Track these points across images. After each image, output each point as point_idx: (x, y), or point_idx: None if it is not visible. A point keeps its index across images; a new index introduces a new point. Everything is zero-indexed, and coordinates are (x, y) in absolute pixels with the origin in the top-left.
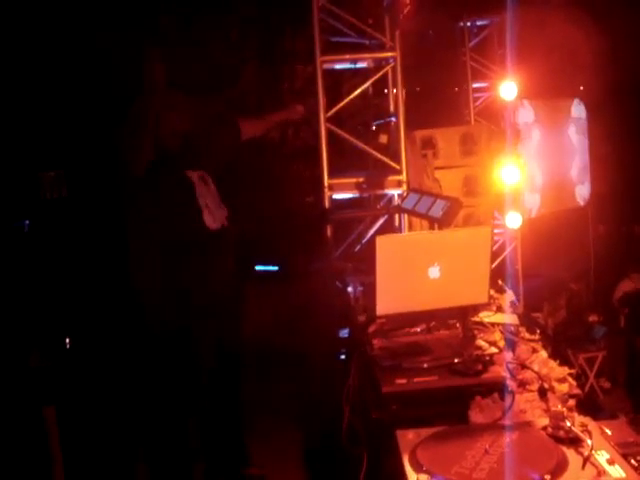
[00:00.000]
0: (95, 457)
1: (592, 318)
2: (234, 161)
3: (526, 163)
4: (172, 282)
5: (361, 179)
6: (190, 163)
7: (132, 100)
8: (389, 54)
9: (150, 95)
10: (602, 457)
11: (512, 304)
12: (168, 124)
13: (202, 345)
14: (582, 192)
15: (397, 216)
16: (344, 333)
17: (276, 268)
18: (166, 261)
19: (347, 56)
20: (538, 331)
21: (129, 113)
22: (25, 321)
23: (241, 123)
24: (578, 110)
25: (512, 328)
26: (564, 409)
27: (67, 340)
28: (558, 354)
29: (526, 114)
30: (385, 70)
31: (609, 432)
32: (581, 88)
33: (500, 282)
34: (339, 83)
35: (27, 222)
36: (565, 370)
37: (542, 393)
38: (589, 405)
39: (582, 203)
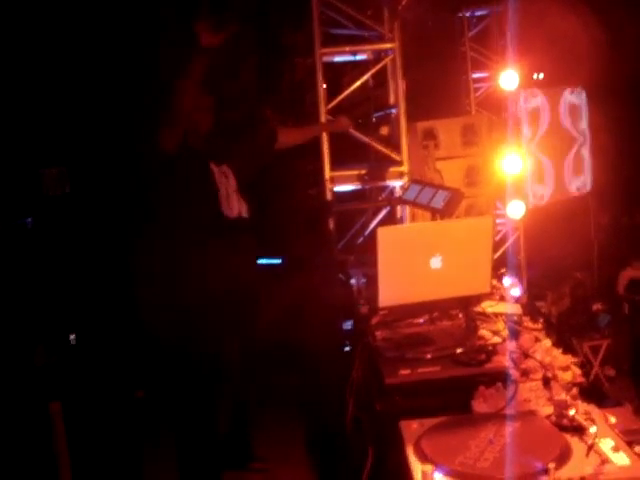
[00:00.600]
0: (101, 452)
1: (596, 306)
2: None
3: (532, 152)
4: (187, 266)
5: (362, 171)
6: (213, 157)
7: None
8: (388, 45)
9: (190, 83)
10: (606, 445)
11: (515, 293)
12: (192, 122)
13: (218, 332)
14: (581, 182)
15: (399, 207)
16: (347, 325)
17: (279, 261)
18: (182, 244)
19: (347, 48)
20: (541, 320)
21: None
22: (30, 318)
23: (280, 132)
24: (578, 99)
25: (515, 317)
26: (568, 397)
27: (72, 336)
28: (562, 343)
29: (534, 101)
30: (385, 62)
31: (613, 420)
32: (577, 78)
33: (503, 270)
34: (339, 75)
35: (30, 219)
36: (569, 358)
37: (546, 382)
38: (594, 393)
39: (578, 193)
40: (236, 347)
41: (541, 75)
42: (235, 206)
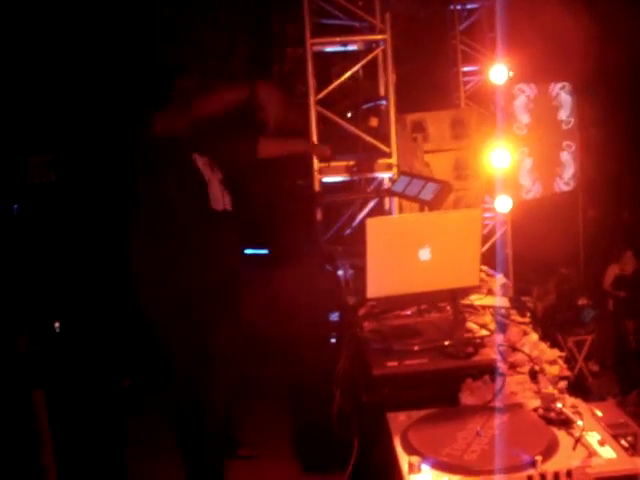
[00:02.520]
0: (84, 441)
1: (581, 302)
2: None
3: (521, 146)
4: (175, 257)
5: (351, 162)
6: (197, 147)
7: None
8: (379, 37)
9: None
10: (593, 438)
11: (503, 287)
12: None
13: (210, 317)
14: (569, 177)
15: (387, 199)
16: (334, 316)
17: (266, 252)
18: (168, 235)
19: (337, 39)
20: (528, 314)
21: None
22: (14, 305)
23: (261, 141)
24: (567, 94)
25: (503, 311)
26: (555, 391)
27: (56, 324)
28: (548, 337)
29: (523, 95)
30: (375, 53)
31: (600, 414)
32: (566, 73)
33: (485, 268)
34: (329, 65)
35: (16, 206)
36: (556, 352)
37: (533, 375)
38: (578, 388)
39: (566, 188)
40: (227, 333)
41: (511, 73)
42: (220, 199)
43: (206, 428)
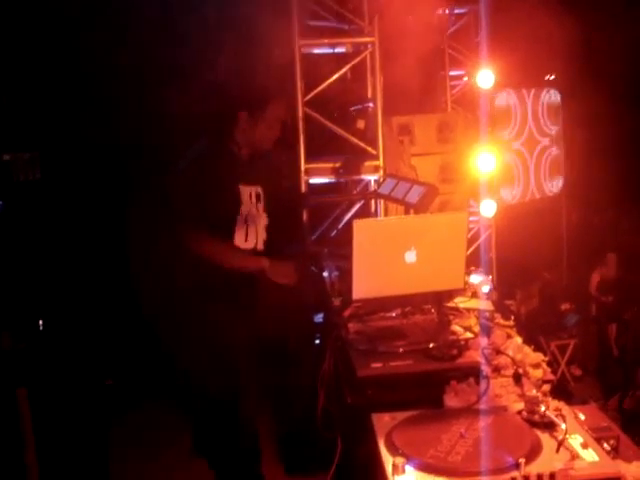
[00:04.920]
0: (67, 440)
1: (564, 306)
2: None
3: (506, 151)
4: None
5: (338, 164)
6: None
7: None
8: (368, 39)
9: None
10: (576, 441)
11: (487, 290)
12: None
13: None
14: (553, 181)
15: (373, 201)
16: (319, 317)
17: None
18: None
19: (326, 40)
20: (512, 317)
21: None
22: None
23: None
24: (553, 98)
25: (487, 314)
26: (539, 394)
27: (40, 322)
28: (531, 341)
29: (508, 99)
30: (364, 55)
31: (582, 417)
32: (552, 77)
33: (473, 268)
34: (317, 67)
35: (0, 203)
36: (539, 356)
37: (517, 378)
38: (560, 391)
39: (550, 193)
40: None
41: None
42: (252, 239)
43: (241, 444)
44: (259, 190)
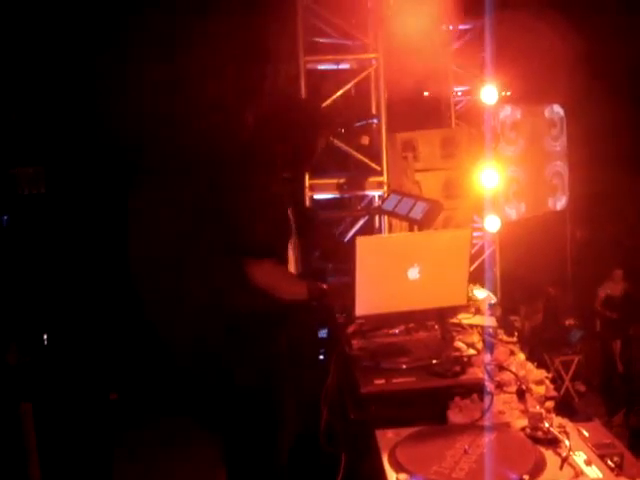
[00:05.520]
0: (71, 454)
1: (569, 322)
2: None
3: (510, 167)
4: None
5: (342, 180)
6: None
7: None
8: (372, 55)
9: None
10: (580, 458)
11: (491, 307)
12: None
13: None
14: (557, 197)
15: (377, 217)
16: (323, 333)
17: None
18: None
19: (330, 57)
20: (516, 334)
21: None
22: (3, 317)
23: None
24: (557, 115)
25: (490, 330)
26: (542, 410)
27: (45, 336)
28: (534, 357)
29: (513, 115)
30: (368, 71)
31: (586, 433)
32: (556, 92)
33: (477, 285)
34: (321, 83)
35: (6, 217)
36: (542, 372)
37: (520, 395)
38: (564, 408)
39: (555, 208)
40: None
41: (505, 93)
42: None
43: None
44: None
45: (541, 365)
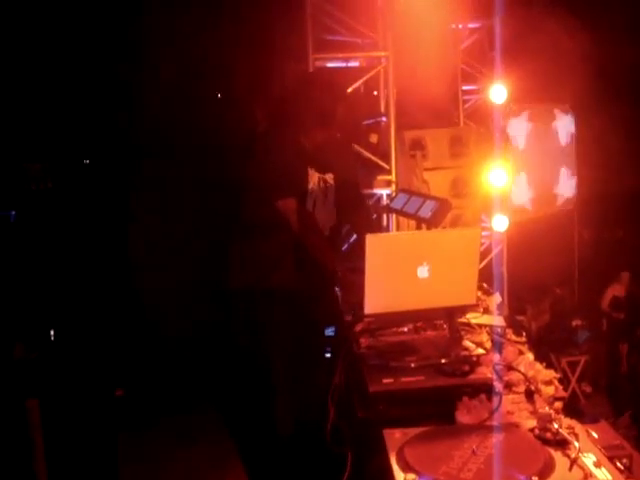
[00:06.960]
0: (77, 451)
1: (575, 322)
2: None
3: (518, 166)
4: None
5: None
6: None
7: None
8: (382, 53)
9: None
10: (589, 459)
11: (499, 306)
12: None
13: None
14: (565, 197)
15: (385, 216)
16: (330, 331)
17: None
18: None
19: (340, 55)
20: (524, 333)
21: None
22: (10, 313)
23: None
24: (566, 114)
25: (499, 330)
26: (551, 411)
27: (52, 332)
28: (541, 358)
29: (518, 120)
30: (377, 69)
31: (595, 435)
32: (565, 92)
33: (485, 285)
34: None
35: (13, 212)
36: (551, 373)
37: (529, 395)
38: (570, 409)
39: (562, 208)
40: None
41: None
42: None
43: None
44: (328, 179)
45: (548, 366)
